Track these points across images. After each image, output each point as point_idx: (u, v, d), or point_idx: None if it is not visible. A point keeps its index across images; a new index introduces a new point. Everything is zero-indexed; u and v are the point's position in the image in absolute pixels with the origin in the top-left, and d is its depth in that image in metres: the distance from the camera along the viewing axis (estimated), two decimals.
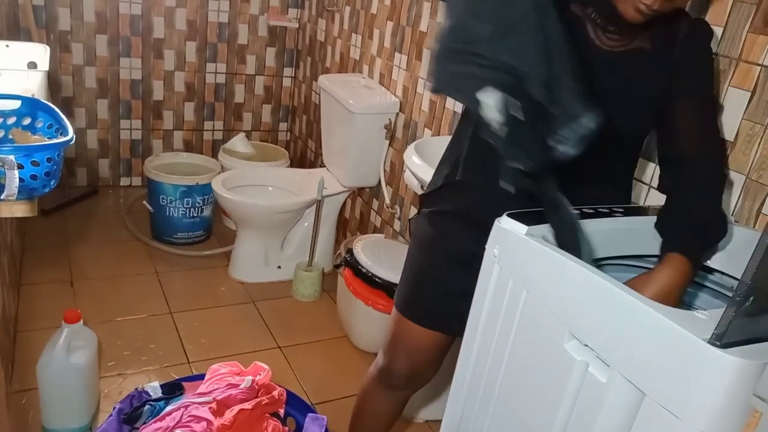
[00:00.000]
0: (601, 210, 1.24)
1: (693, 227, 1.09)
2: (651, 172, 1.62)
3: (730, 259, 1.16)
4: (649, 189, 1.62)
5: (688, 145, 1.14)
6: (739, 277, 0.76)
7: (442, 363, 1.44)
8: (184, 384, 1.51)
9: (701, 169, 1.13)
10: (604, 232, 1.15)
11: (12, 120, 1.12)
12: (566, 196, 1.02)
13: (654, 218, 1.29)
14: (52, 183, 0.98)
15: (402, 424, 1.99)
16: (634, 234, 1.19)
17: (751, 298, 0.73)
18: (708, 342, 0.74)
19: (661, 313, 0.80)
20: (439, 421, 1.27)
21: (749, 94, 1.35)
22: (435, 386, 1.93)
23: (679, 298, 1.07)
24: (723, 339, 0.73)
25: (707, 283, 1.22)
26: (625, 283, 0.95)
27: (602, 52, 1.14)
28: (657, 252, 1.22)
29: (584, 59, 1.04)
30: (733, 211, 1.38)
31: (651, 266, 1.25)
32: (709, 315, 0.80)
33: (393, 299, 1.42)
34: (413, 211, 2.38)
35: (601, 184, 1.24)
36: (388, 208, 2.53)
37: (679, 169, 1.15)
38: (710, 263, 1.19)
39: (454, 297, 1.28)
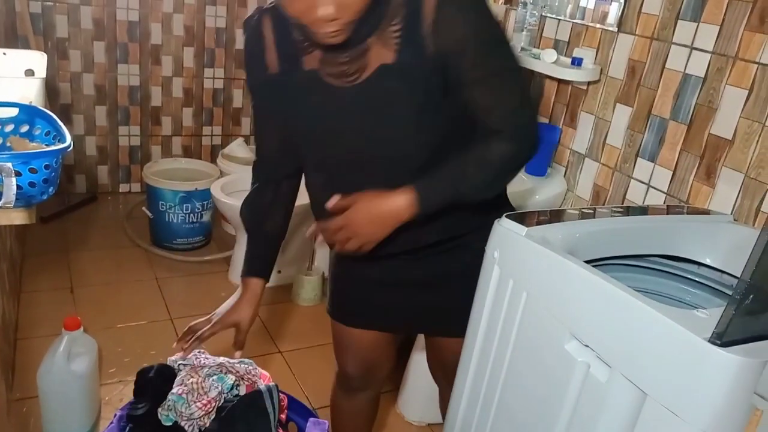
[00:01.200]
0: (600, 210, 1.24)
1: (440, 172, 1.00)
2: (649, 171, 1.62)
3: (730, 257, 1.16)
4: (648, 188, 1.63)
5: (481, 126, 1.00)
6: (738, 276, 0.76)
7: (395, 357, 1.43)
8: None
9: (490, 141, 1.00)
10: (604, 232, 1.15)
11: (10, 127, 1.12)
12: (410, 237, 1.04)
13: (654, 217, 1.29)
14: (50, 190, 0.98)
15: (404, 428, 1.98)
16: (634, 234, 1.19)
17: (751, 296, 0.73)
18: (708, 341, 0.74)
19: (662, 313, 0.79)
20: (441, 424, 1.27)
21: (746, 92, 1.36)
22: (437, 389, 1.92)
23: (391, 219, 0.99)
24: (723, 337, 0.73)
25: (707, 282, 1.22)
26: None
27: (345, 90, 1.01)
28: (657, 251, 1.23)
29: (332, 107, 1.05)
30: (733, 209, 1.38)
31: (651, 266, 1.25)
32: (709, 314, 0.80)
33: None
34: None
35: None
36: None
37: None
38: (710, 261, 1.19)
39: (372, 292, 1.27)
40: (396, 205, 0.98)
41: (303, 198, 1.28)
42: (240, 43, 3.41)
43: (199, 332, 1.22)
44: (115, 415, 1.41)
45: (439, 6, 0.94)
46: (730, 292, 1.16)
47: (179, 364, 1.47)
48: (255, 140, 1.27)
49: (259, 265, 1.27)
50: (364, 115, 1.02)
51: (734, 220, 1.31)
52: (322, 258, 2.77)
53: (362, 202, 1.00)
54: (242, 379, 1.46)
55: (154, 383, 1.39)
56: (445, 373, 1.38)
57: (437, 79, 0.98)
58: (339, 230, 1.01)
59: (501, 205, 1.21)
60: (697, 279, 1.22)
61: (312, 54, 1.02)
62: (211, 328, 1.25)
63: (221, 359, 1.48)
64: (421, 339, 1.87)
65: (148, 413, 1.34)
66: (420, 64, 0.97)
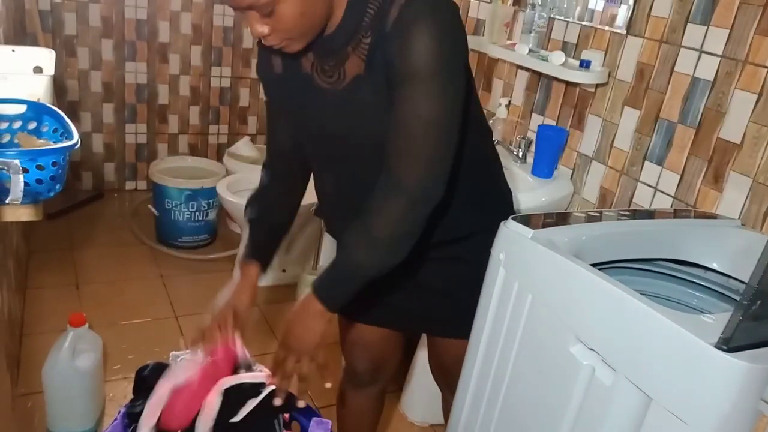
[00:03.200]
0: (607, 213, 1.23)
1: (333, 264, 1.10)
2: (656, 174, 1.62)
3: (737, 262, 1.15)
4: (655, 192, 1.62)
5: (386, 159, 0.97)
6: (746, 281, 0.75)
7: (403, 351, 1.44)
8: None
9: (381, 186, 0.98)
10: (610, 235, 1.14)
11: (18, 124, 1.12)
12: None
13: (661, 221, 1.28)
14: (57, 187, 0.98)
15: (407, 429, 1.98)
16: (641, 237, 1.18)
17: (759, 302, 0.72)
18: (715, 346, 0.73)
19: (668, 317, 0.79)
20: (444, 425, 1.27)
21: (756, 96, 1.35)
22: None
23: (310, 332, 1.13)
24: (730, 343, 0.73)
25: (714, 287, 1.21)
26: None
27: (331, 93, 1.03)
28: (663, 255, 1.22)
29: (321, 108, 1.06)
30: (740, 214, 1.37)
31: (657, 269, 1.25)
32: (716, 319, 0.80)
33: None
34: None
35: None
36: None
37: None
38: (717, 266, 1.18)
39: (381, 291, 1.24)
40: (314, 310, 1.12)
41: (308, 197, 1.29)
42: (247, 42, 3.41)
43: (206, 332, 1.21)
44: (119, 412, 1.41)
45: (397, 20, 0.90)
46: (737, 297, 1.15)
47: (181, 360, 1.47)
48: (267, 135, 1.28)
49: (258, 251, 1.25)
50: (345, 119, 1.05)
51: (742, 224, 1.30)
52: (327, 257, 2.77)
53: (287, 330, 1.12)
54: None
55: (150, 381, 1.39)
56: (444, 376, 1.39)
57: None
58: (285, 359, 1.11)
59: (501, 207, 1.21)
60: (703, 283, 1.22)
61: (307, 57, 1.05)
62: (214, 322, 1.24)
63: None
64: (425, 339, 1.86)
65: None
66: (384, 78, 0.95)
